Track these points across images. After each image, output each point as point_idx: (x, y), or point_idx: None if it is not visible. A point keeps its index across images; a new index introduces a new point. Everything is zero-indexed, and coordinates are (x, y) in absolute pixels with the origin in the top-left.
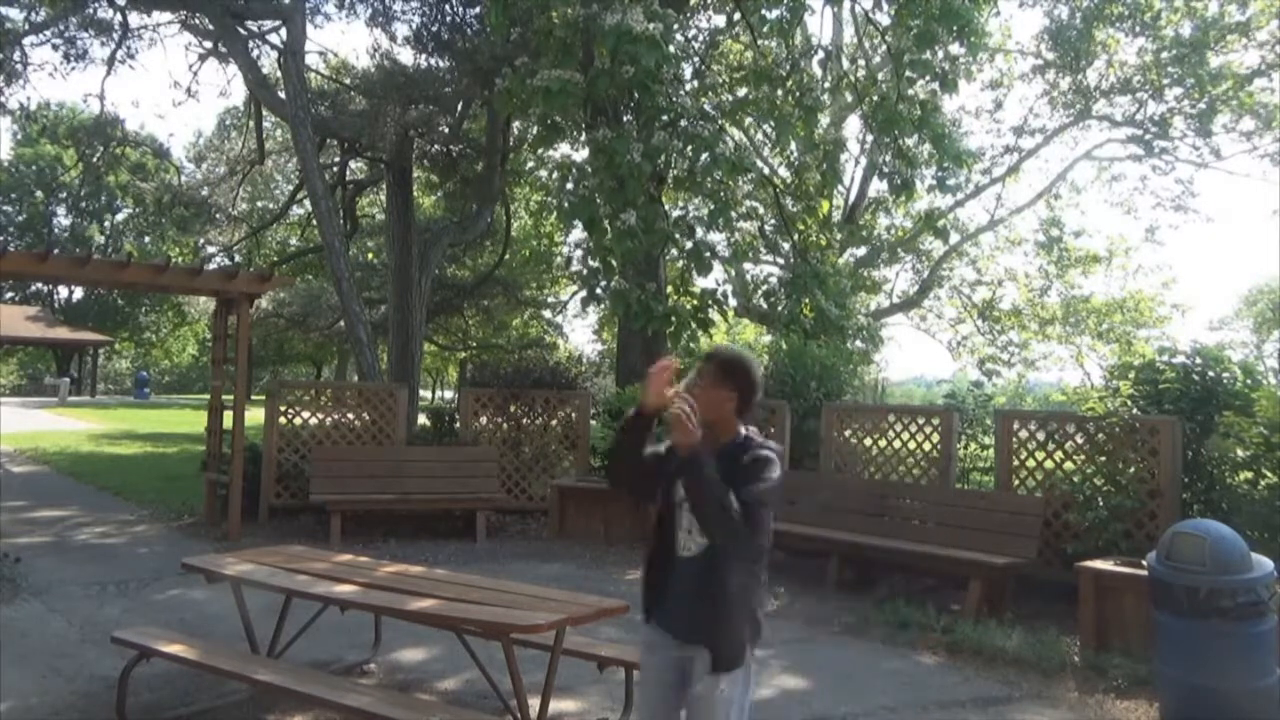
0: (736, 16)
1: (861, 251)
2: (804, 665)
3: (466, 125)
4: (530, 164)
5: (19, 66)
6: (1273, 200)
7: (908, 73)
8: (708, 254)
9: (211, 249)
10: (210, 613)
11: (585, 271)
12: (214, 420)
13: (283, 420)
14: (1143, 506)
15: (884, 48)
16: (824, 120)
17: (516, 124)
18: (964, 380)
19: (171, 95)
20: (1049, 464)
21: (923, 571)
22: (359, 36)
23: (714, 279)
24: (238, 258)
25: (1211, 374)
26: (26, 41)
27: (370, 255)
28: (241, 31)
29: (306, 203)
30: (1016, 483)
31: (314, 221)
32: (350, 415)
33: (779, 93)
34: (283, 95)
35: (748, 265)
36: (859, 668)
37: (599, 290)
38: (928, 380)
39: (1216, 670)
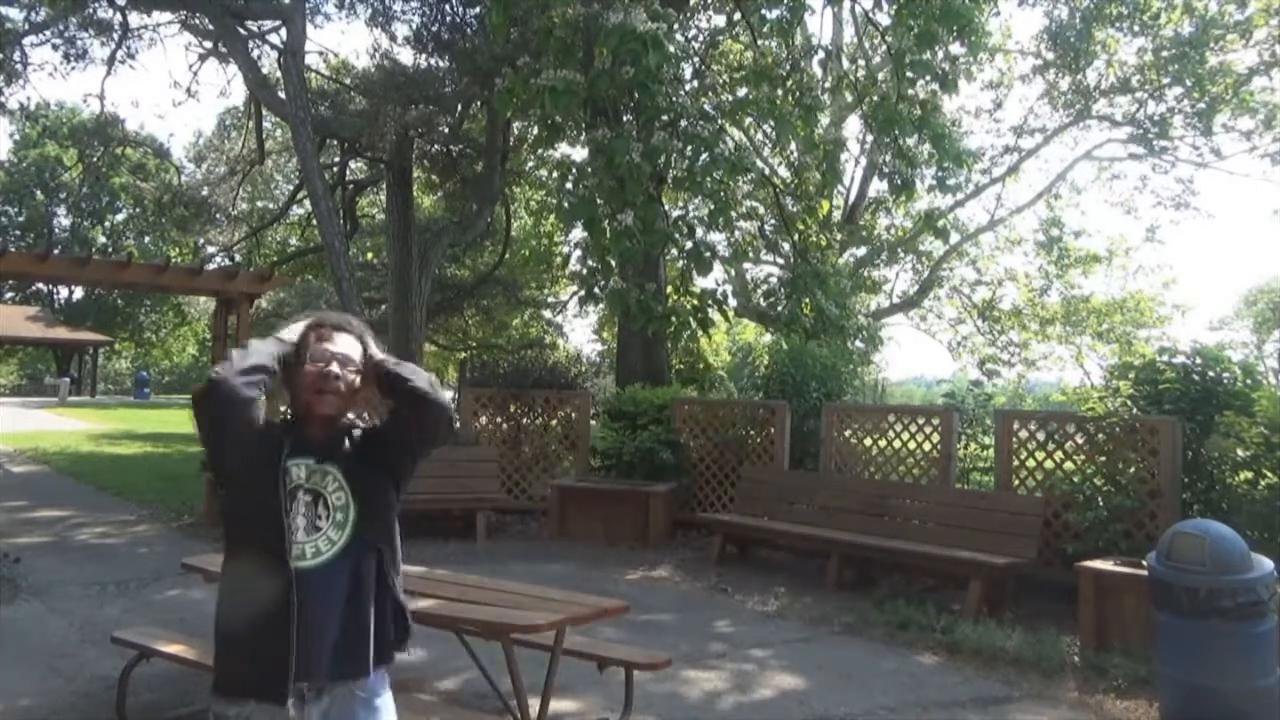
0: (736, 16)
1: (861, 251)
2: (804, 665)
3: (466, 125)
4: (530, 164)
5: (19, 66)
6: (1273, 200)
7: (908, 73)
8: (708, 254)
9: (211, 249)
10: (210, 613)
11: (585, 271)
12: None
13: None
14: (1143, 506)
15: (884, 48)
16: (824, 120)
17: (516, 124)
18: (964, 380)
19: (171, 95)
20: (1049, 464)
21: (923, 571)
22: (359, 36)
23: (714, 279)
24: (238, 258)
25: (1211, 374)
26: (26, 41)
27: (370, 255)
28: (241, 31)
29: (306, 203)
30: (1016, 483)
31: (314, 221)
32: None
33: (779, 93)
34: (283, 95)
35: (748, 265)
36: (859, 668)
37: (598, 290)
38: (928, 380)
39: (1216, 670)
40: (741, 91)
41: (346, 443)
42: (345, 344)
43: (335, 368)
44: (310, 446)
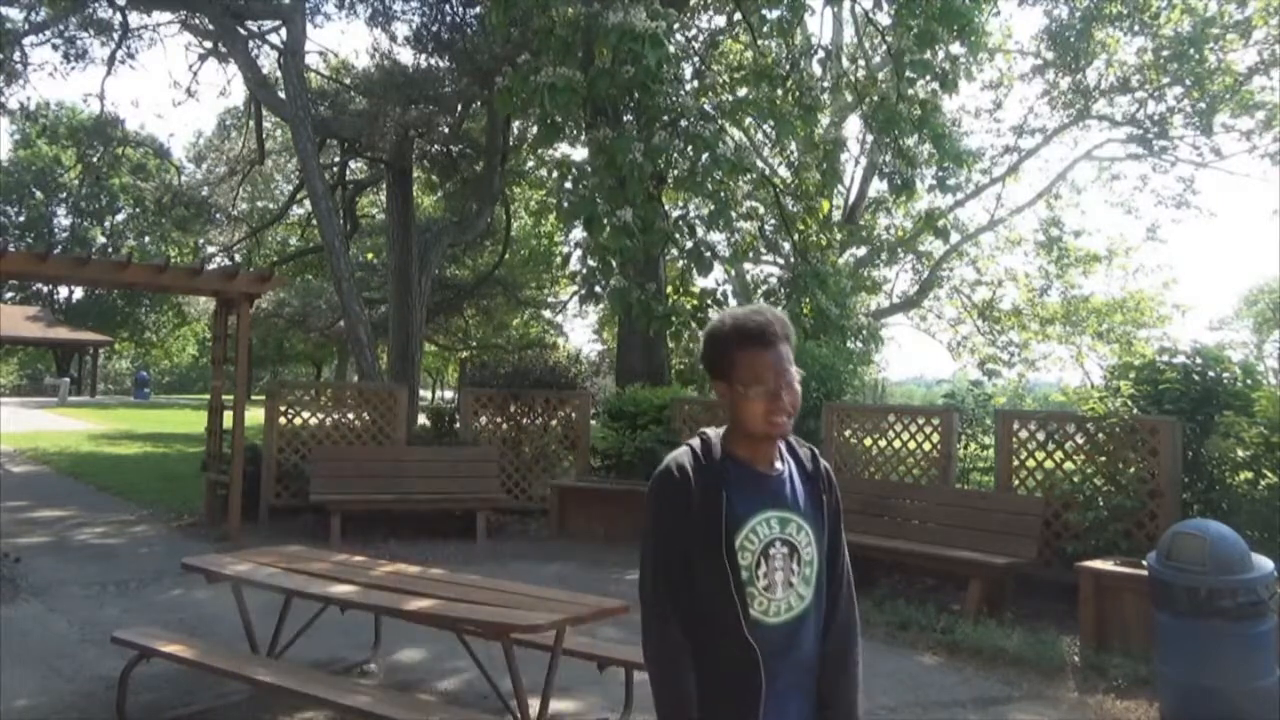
0: (736, 16)
1: (861, 251)
2: None
3: (466, 125)
4: (530, 164)
5: (19, 66)
6: (1273, 200)
7: (908, 73)
8: (708, 254)
9: (211, 249)
10: (210, 613)
11: (585, 271)
12: (214, 420)
13: (283, 420)
14: (1143, 506)
15: (884, 48)
16: (824, 120)
17: (516, 124)
18: (964, 380)
19: (171, 95)
20: (1049, 464)
21: (923, 571)
22: (359, 36)
23: (714, 279)
24: (238, 258)
25: (1211, 374)
26: (26, 41)
27: (370, 255)
28: (241, 31)
29: (306, 203)
30: (1016, 483)
31: (314, 221)
32: (350, 415)
33: (779, 92)
34: (283, 95)
35: (748, 265)
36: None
37: (599, 289)
38: (928, 380)
39: (1216, 670)
40: (741, 91)
41: (799, 484)
42: (785, 354)
43: (786, 397)
44: (768, 489)
